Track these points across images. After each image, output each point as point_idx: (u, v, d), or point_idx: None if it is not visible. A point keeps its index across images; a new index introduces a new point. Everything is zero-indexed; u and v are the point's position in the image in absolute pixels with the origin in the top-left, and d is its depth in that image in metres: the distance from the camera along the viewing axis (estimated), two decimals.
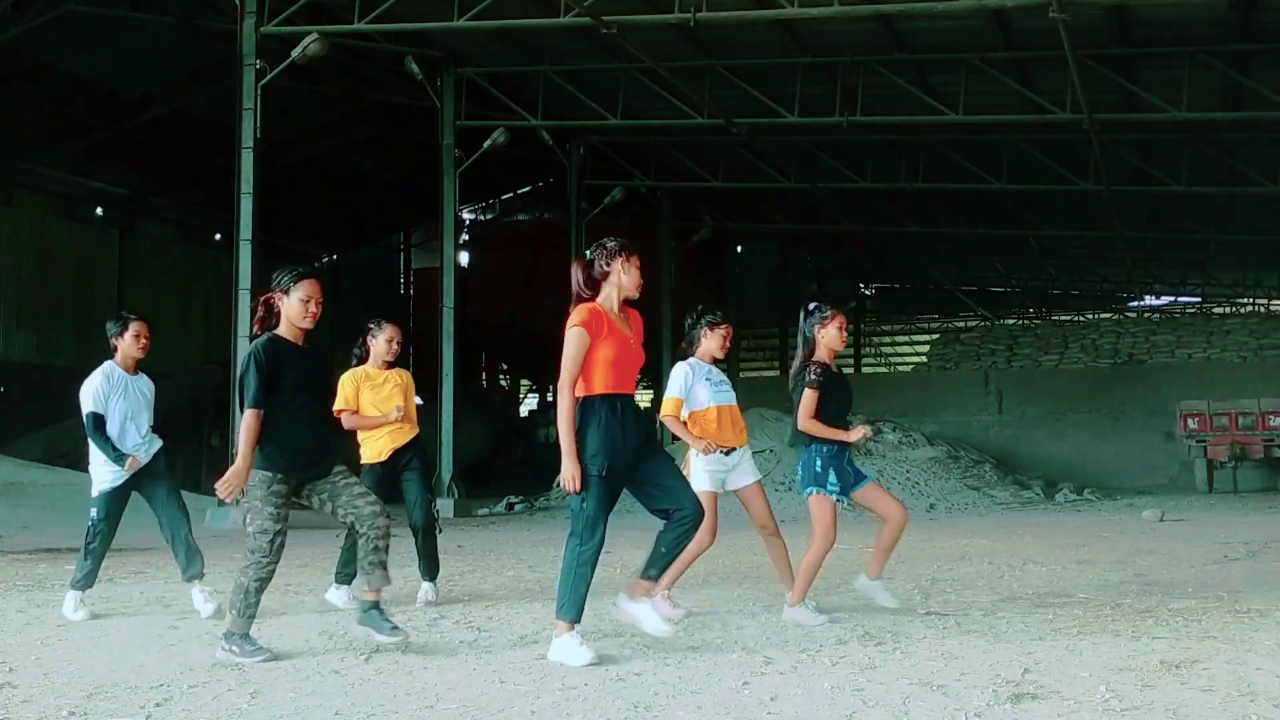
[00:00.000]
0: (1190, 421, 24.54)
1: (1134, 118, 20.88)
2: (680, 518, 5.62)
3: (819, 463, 6.60)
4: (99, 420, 7.32)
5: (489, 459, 31.62)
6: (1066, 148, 23.77)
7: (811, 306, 6.85)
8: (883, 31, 18.51)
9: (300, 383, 5.74)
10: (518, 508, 21.77)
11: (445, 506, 19.87)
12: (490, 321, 35.24)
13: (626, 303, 5.72)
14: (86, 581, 7.20)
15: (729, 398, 6.95)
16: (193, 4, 21.51)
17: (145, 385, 7.68)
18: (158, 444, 7.58)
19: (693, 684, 4.83)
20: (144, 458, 7.40)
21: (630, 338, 5.64)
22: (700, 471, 6.82)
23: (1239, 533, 12.92)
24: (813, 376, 6.59)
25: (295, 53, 17.28)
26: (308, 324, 5.77)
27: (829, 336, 6.68)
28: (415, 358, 38.59)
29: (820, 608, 6.63)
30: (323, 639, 6.15)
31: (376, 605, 5.84)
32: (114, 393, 7.48)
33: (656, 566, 5.70)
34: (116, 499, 7.36)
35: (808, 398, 6.55)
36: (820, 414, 6.58)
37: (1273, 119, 19.50)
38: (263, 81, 17.27)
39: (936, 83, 20.19)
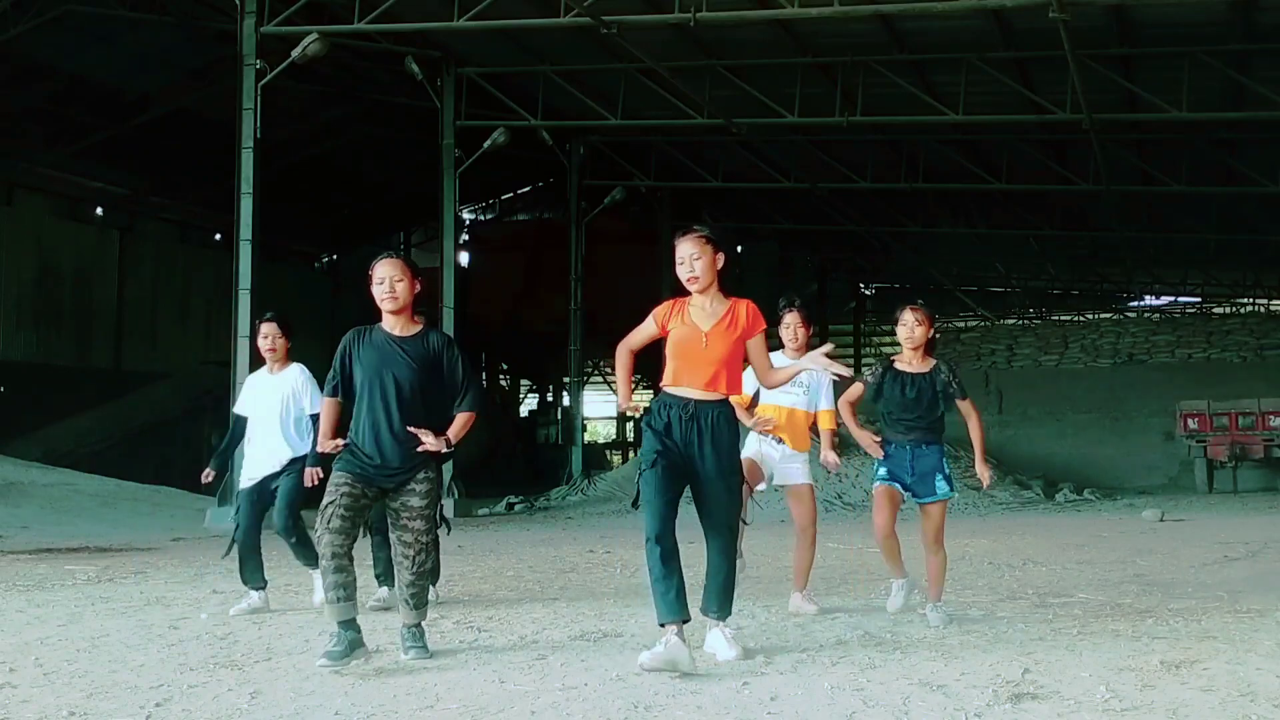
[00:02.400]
0: (1190, 421, 24.55)
1: (1134, 118, 20.89)
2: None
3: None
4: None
5: (489, 459, 31.63)
6: (1066, 148, 23.78)
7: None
8: (883, 31, 18.50)
9: (376, 373, 5.49)
10: (518, 508, 21.76)
11: (445, 506, 19.85)
12: (490, 321, 35.22)
13: (726, 293, 5.59)
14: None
15: (794, 401, 6.91)
16: (193, 4, 21.50)
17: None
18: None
19: (693, 684, 4.83)
20: None
21: (697, 330, 5.44)
22: (749, 441, 6.85)
23: (1239, 533, 12.92)
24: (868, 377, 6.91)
25: (295, 53, 17.27)
26: (389, 306, 5.53)
27: (899, 333, 6.82)
28: None
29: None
30: (323, 639, 6.13)
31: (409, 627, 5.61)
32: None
33: (709, 606, 5.46)
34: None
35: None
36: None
37: (1273, 119, 19.51)
38: (263, 81, 17.27)
39: (936, 83, 20.19)
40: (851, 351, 40.52)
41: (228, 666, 5.38)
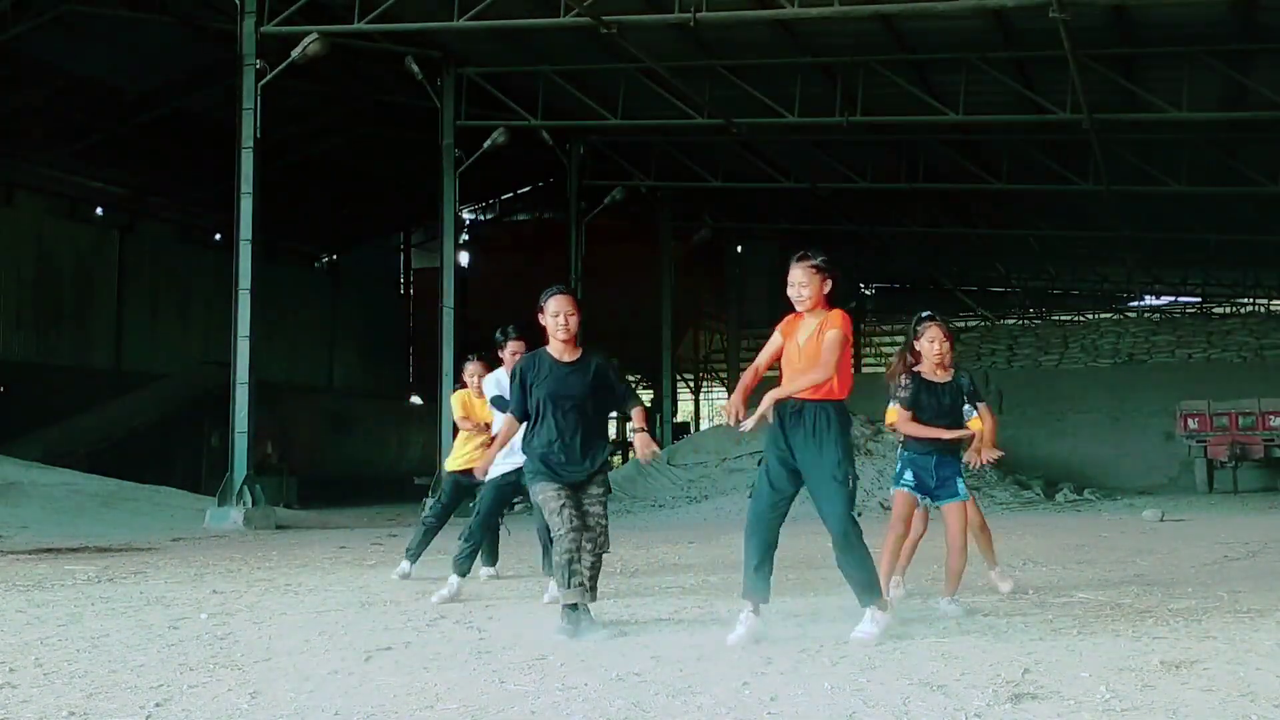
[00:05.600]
0: (1190, 421, 24.56)
1: (1134, 118, 20.90)
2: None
3: (899, 463, 7.08)
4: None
5: None
6: (1066, 148, 23.79)
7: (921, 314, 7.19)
8: (883, 31, 18.51)
9: (552, 394, 6.24)
10: (517, 508, 21.70)
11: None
12: (490, 321, 35.10)
13: (830, 305, 6.02)
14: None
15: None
16: (193, 4, 21.51)
17: None
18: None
19: (693, 684, 4.83)
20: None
21: (796, 344, 5.96)
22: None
23: (1239, 533, 12.92)
24: (902, 393, 6.96)
25: (295, 53, 17.29)
26: (561, 336, 6.30)
27: (922, 348, 6.95)
28: (415, 358, 38.66)
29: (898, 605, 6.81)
30: (323, 639, 6.14)
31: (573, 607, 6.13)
32: None
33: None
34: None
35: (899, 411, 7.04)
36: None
37: (1273, 119, 19.51)
38: (263, 81, 17.28)
39: (936, 83, 20.20)
40: (852, 352, 40.47)
41: (228, 666, 5.37)
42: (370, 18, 17.65)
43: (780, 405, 5.89)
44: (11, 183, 26.39)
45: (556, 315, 6.29)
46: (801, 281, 5.94)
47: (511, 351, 8.02)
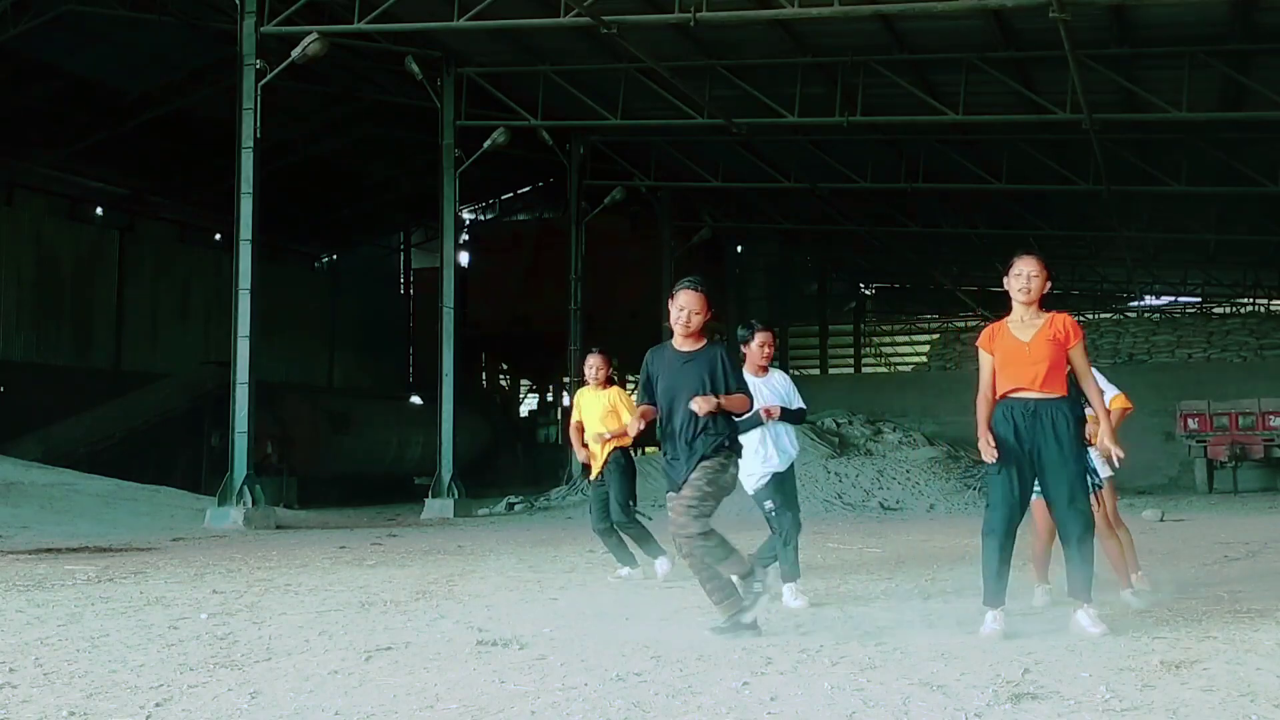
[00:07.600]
0: (1190, 421, 24.57)
1: (1134, 118, 20.90)
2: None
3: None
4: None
5: (489, 459, 31.63)
6: (1066, 148, 23.80)
7: None
8: (883, 31, 18.52)
9: (670, 385, 6.11)
10: (518, 508, 21.77)
11: (445, 506, 19.84)
12: (490, 321, 35.22)
13: (1043, 307, 6.15)
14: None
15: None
16: (193, 4, 21.51)
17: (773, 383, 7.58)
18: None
19: (693, 684, 4.82)
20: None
21: (1019, 341, 6.03)
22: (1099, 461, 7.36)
23: (1239, 533, 12.92)
24: None
25: (295, 53, 17.29)
26: (680, 331, 6.16)
27: None
28: (415, 358, 38.68)
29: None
30: (323, 639, 6.14)
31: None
32: None
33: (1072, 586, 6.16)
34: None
35: None
36: None
37: (1273, 119, 19.51)
38: (263, 81, 17.27)
39: (936, 83, 20.20)
40: (851, 351, 40.50)
41: (228, 666, 5.37)
42: (370, 18, 17.65)
43: (1009, 405, 5.95)
44: (11, 183, 26.40)
45: (682, 310, 6.15)
46: (1034, 272, 6.06)
47: (760, 343, 7.40)
